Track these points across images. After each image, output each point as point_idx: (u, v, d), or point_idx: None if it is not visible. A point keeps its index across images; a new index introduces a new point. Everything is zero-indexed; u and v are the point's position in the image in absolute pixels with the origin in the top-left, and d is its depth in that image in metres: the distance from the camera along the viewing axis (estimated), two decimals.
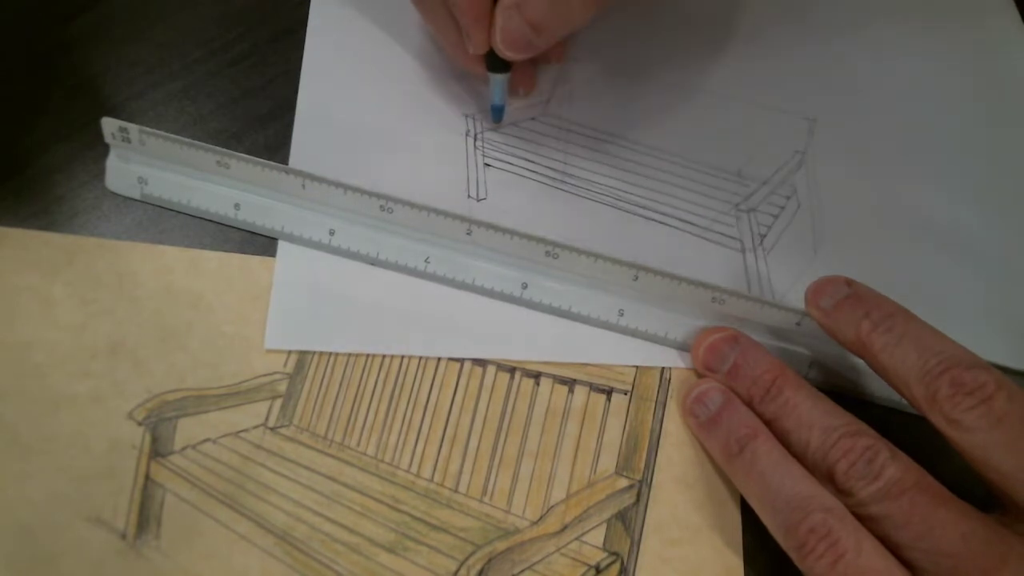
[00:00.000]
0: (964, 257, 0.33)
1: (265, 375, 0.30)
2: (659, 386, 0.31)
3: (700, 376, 0.30)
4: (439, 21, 0.31)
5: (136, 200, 0.33)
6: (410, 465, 0.29)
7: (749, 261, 0.33)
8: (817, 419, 0.26)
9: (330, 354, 0.31)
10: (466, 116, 0.35)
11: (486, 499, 0.29)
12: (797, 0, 0.39)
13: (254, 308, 0.31)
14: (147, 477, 0.28)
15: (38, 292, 0.31)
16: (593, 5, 0.28)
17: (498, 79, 0.32)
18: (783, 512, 0.25)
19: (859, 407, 0.28)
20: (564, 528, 0.28)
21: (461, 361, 0.31)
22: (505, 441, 0.30)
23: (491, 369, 0.31)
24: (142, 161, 0.32)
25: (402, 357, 0.31)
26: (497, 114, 0.34)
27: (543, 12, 0.28)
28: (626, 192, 0.34)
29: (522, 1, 0.28)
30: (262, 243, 0.32)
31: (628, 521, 0.29)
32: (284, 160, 0.33)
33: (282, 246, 0.32)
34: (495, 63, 0.31)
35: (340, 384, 0.30)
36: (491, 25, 0.29)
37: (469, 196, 0.33)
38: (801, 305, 0.29)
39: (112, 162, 0.33)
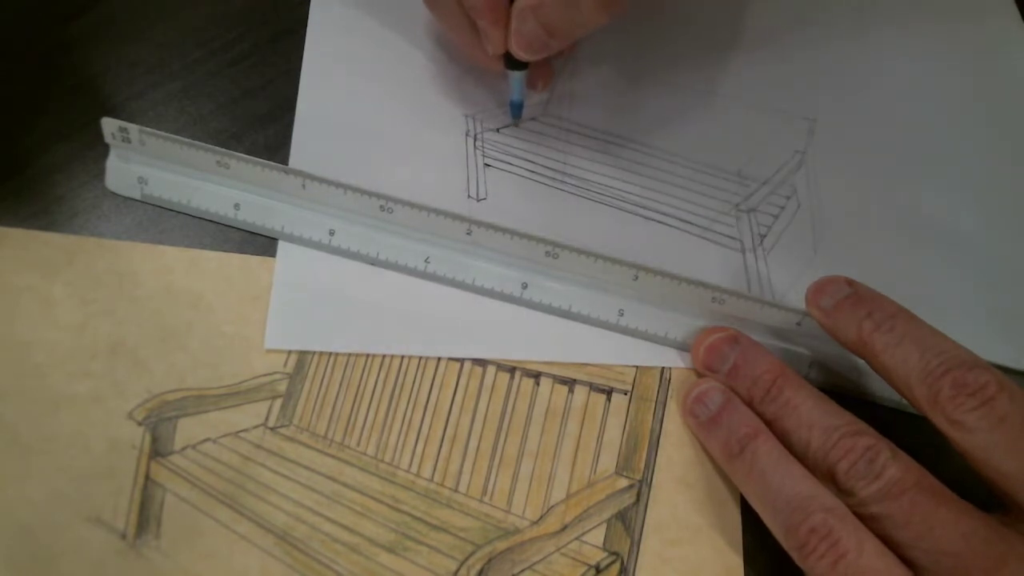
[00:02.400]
0: (964, 257, 0.33)
1: (265, 375, 0.30)
2: (659, 386, 0.31)
3: (700, 376, 0.30)
4: (455, 22, 0.31)
5: (136, 200, 0.33)
6: (410, 465, 0.29)
7: (749, 261, 0.33)
8: (818, 419, 0.26)
9: (330, 354, 0.31)
10: (466, 116, 0.35)
11: (486, 499, 0.29)
12: (798, 1, 0.39)
13: (254, 308, 0.31)
14: (147, 477, 0.28)
15: (38, 292, 0.31)
16: (605, 11, 0.28)
17: (516, 76, 0.32)
18: (784, 512, 0.25)
19: (860, 407, 0.28)
20: (564, 528, 0.28)
21: (461, 361, 0.31)
22: (505, 441, 0.30)
23: (491, 369, 0.31)
24: (142, 161, 0.32)
25: (402, 357, 0.31)
26: (516, 110, 0.34)
27: (557, 16, 0.28)
28: (626, 192, 0.34)
29: (537, 5, 0.28)
30: (262, 243, 0.32)
31: (628, 521, 0.29)
32: (284, 160, 0.33)
33: (282, 246, 0.32)
34: (513, 61, 0.31)
35: (340, 384, 0.30)
36: (507, 26, 0.29)
37: (469, 196, 0.33)
38: (801, 305, 0.29)
39: (112, 162, 0.33)
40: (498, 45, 0.30)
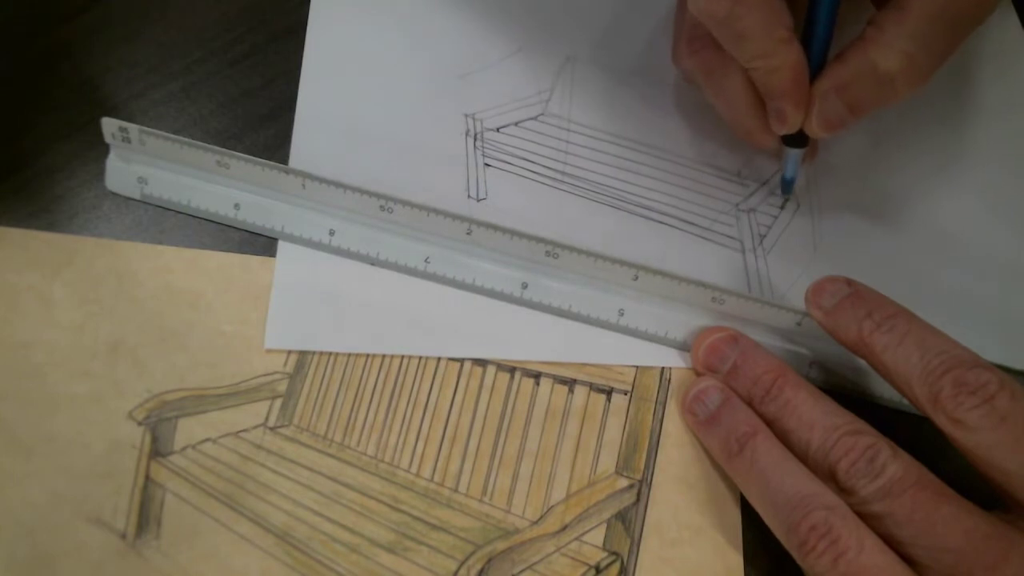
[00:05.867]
0: (964, 257, 0.33)
1: (265, 375, 0.30)
2: (659, 386, 0.31)
3: (700, 376, 0.30)
4: (737, 102, 0.31)
5: (136, 200, 0.33)
6: (410, 465, 0.29)
7: (749, 261, 0.33)
8: (818, 418, 0.26)
9: (330, 354, 0.30)
10: (466, 116, 0.35)
11: (486, 499, 0.29)
12: None
13: (254, 308, 0.31)
14: (147, 477, 0.28)
15: (38, 292, 0.31)
16: (917, 83, 0.28)
17: (796, 153, 0.32)
18: (784, 510, 0.25)
19: (860, 407, 0.28)
20: (564, 528, 0.28)
21: (461, 361, 0.31)
22: (505, 441, 0.30)
23: (491, 369, 0.31)
24: (142, 161, 0.32)
25: (402, 357, 0.31)
26: (789, 186, 0.33)
27: (866, 94, 0.29)
28: (626, 192, 0.34)
29: (843, 85, 0.29)
30: (262, 243, 0.32)
31: (628, 521, 0.29)
32: (284, 160, 0.33)
33: (282, 246, 0.32)
34: (795, 139, 0.31)
35: (340, 384, 0.30)
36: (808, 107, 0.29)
37: (469, 196, 0.33)
38: (801, 305, 0.29)
39: (112, 162, 0.33)
40: (794, 125, 0.30)
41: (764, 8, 0.27)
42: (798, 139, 0.31)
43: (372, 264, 0.32)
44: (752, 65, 0.29)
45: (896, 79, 0.28)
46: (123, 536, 0.27)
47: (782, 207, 0.34)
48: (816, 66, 0.29)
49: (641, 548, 0.28)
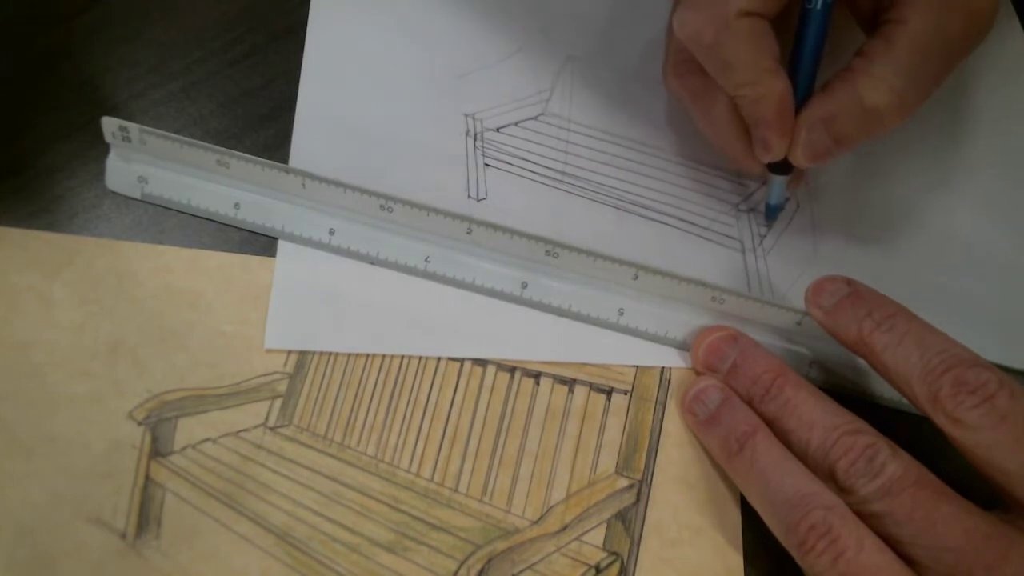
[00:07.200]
0: (963, 257, 0.33)
1: (265, 375, 0.30)
2: (659, 386, 0.31)
3: (699, 375, 0.30)
4: (719, 125, 0.31)
5: (136, 200, 0.33)
6: (410, 465, 0.29)
7: (749, 261, 0.33)
8: (818, 418, 0.26)
9: (330, 354, 0.30)
10: (466, 116, 0.35)
11: (486, 499, 0.29)
12: None
13: (254, 308, 0.31)
14: (147, 477, 0.28)
15: (38, 292, 0.31)
16: (905, 116, 0.28)
17: (781, 180, 0.32)
18: (783, 510, 0.25)
19: (860, 407, 0.28)
20: (564, 528, 0.28)
21: (461, 361, 0.31)
22: (505, 441, 0.30)
23: (491, 369, 0.31)
24: (142, 160, 0.32)
25: (402, 357, 0.31)
26: (774, 213, 0.33)
27: (852, 127, 0.28)
28: (626, 192, 0.34)
29: (830, 116, 0.28)
30: (262, 243, 0.32)
31: (628, 521, 0.29)
32: (284, 160, 0.33)
33: (282, 246, 0.32)
34: (780, 167, 0.31)
35: (340, 384, 0.30)
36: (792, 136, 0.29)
37: (469, 196, 0.33)
38: (801, 305, 0.29)
39: (112, 161, 0.33)
40: (779, 154, 0.29)
41: (750, 36, 0.27)
42: (783, 167, 0.31)
43: (372, 263, 0.32)
44: (738, 93, 0.29)
45: (883, 113, 0.28)
46: (123, 536, 0.27)
47: (769, 228, 0.34)
48: (803, 95, 0.29)
49: (641, 548, 0.28)
